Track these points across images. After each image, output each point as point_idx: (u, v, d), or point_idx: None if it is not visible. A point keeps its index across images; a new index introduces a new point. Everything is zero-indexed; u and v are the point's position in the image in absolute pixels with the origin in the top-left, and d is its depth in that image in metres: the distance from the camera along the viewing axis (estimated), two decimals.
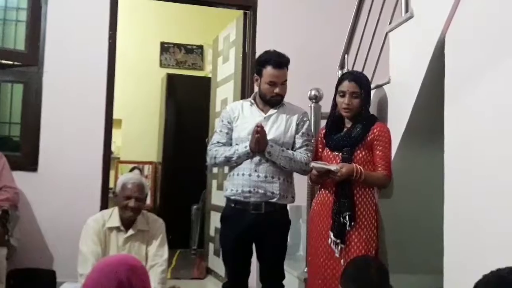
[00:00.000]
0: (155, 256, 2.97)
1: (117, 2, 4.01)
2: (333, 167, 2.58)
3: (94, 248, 2.87)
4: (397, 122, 2.64)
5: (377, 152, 2.62)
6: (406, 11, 2.65)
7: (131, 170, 5.65)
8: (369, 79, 2.82)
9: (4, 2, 4.06)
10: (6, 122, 4.00)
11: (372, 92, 2.82)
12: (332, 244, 2.61)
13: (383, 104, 2.81)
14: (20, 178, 3.57)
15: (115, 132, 4.22)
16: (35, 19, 3.86)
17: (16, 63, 3.91)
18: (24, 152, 3.83)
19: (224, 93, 4.72)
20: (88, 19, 3.94)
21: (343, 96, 2.66)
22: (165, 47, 6.49)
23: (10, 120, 3.98)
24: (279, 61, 2.76)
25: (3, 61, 3.96)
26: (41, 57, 3.85)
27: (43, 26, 3.86)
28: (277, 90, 2.77)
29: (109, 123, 3.97)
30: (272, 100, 2.81)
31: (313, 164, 2.66)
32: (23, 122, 3.88)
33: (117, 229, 2.96)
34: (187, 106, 5.97)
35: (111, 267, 1.42)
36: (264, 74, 2.77)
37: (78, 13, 3.93)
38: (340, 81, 2.71)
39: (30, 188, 3.71)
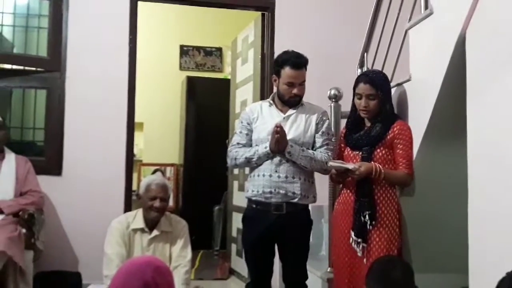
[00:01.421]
0: (179, 257, 3.00)
1: (136, 7, 4.05)
2: (350, 165, 2.57)
3: (118, 249, 2.91)
4: (418, 120, 2.61)
5: (398, 150, 2.60)
6: (426, 7, 2.62)
7: (154, 172, 5.65)
8: (389, 77, 2.80)
9: (26, 10, 4.14)
10: (30, 128, 4.09)
11: (393, 90, 2.80)
12: (353, 243, 2.60)
13: (403, 102, 2.78)
14: (45, 182, 3.64)
15: (137, 135, 4.27)
16: (56, 25, 3.93)
17: (39, 69, 3.99)
18: (48, 157, 3.90)
19: (243, 94, 4.73)
20: (108, 24, 4.00)
21: (360, 98, 2.65)
22: (184, 50, 6.54)
23: (34, 125, 4.06)
24: (298, 61, 2.76)
25: (27, 68, 4.04)
26: (63, 63, 3.91)
27: (65, 33, 3.93)
28: (295, 90, 2.77)
29: (131, 126, 4.02)
30: (291, 101, 2.81)
31: (330, 163, 2.66)
32: (47, 127, 3.96)
33: (141, 230, 2.99)
34: (207, 108, 6.01)
35: (136, 269, 1.44)
36: (282, 74, 2.78)
37: (98, 19, 3.99)
38: (356, 83, 2.70)
39: (55, 192, 3.78)
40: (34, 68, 4.01)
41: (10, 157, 3.51)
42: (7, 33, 4.12)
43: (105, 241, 2.96)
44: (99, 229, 3.18)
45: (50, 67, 3.94)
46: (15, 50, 4.14)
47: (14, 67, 4.08)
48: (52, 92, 3.93)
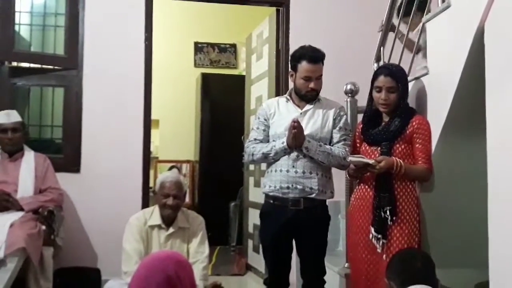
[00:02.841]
0: (196, 253, 3.02)
1: (152, 5, 4.07)
2: (371, 160, 2.56)
3: (137, 246, 2.94)
4: (437, 114, 2.59)
5: (417, 145, 2.59)
6: (443, 0, 2.60)
7: (170, 169, 5.74)
8: (406, 71, 2.78)
9: (43, 8, 4.19)
10: (48, 125, 4.13)
11: (410, 84, 2.78)
12: (373, 239, 2.59)
13: (421, 96, 2.76)
14: (64, 179, 3.68)
15: (153, 132, 4.29)
16: (73, 24, 3.96)
17: (56, 67, 4.03)
18: (67, 154, 3.94)
19: (258, 90, 4.74)
20: (124, 22, 4.03)
21: (379, 91, 2.63)
22: (199, 47, 6.56)
23: (53, 123, 4.11)
24: (314, 55, 2.76)
25: (44, 66, 4.08)
26: (80, 61, 3.95)
27: (81, 31, 3.96)
28: (312, 85, 2.76)
29: (148, 123, 4.04)
30: (308, 95, 2.80)
31: (350, 158, 2.65)
32: (65, 124, 4.00)
33: (159, 227, 3.02)
34: (222, 104, 6.02)
35: (158, 263, 1.46)
36: (299, 69, 2.77)
37: (114, 17, 4.01)
38: (375, 76, 2.67)
39: (73, 189, 3.82)
40: (51, 66, 4.05)
41: (29, 155, 3.55)
42: (25, 32, 4.16)
43: (124, 237, 3.00)
44: (117, 226, 3.22)
45: (67, 65, 3.98)
46: (32, 49, 4.19)
47: (32, 65, 4.11)
48: (69, 90, 3.97)
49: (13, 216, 3.22)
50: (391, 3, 3.19)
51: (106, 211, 3.84)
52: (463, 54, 2.33)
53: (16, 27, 3.96)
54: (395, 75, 2.61)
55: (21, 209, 3.30)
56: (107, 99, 3.96)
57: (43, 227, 3.28)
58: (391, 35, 3.21)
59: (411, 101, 2.76)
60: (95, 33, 3.97)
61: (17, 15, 3.93)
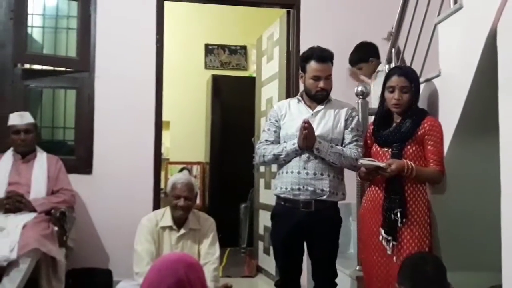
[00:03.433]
0: (207, 254, 3.02)
1: (163, 7, 4.09)
2: (381, 163, 2.55)
3: (148, 247, 2.95)
4: (449, 116, 2.57)
5: (429, 147, 2.57)
6: (455, 2, 2.58)
7: (180, 170, 5.72)
8: (418, 73, 2.76)
9: (55, 11, 4.22)
10: (61, 127, 4.17)
11: (422, 86, 2.76)
12: (383, 241, 2.58)
13: (433, 98, 2.75)
14: (76, 181, 3.71)
15: (164, 134, 4.31)
16: (85, 26, 3.99)
17: (68, 69, 4.06)
18: (79, 156, 3.97)
19: (269, 92, 4.74)
20: (135, 24, 4.05)
21: (392, 91, 2.62)
22: (209, 49, 6.58)
23: (65, 125, 4.14)
24: (322, 55, 2.76)
25: (56, 68, 4.12)
26: (92, 63, 3.98)
27: (93, 33, 3.99)
28: (321, 84, 2.76)
29: (159, 125, 4.07)
30: (318, 96, 2.80)
31: (361, 161, 2.64)
32: (77, 126, 4.03)
33: (170, 228, 3.03)
34: (232, 106, 6.03)
35: (169, 265, 1.47)
36: (308, 69, 2.78)
37: (126, 19, 4.04)
38: (388, 76, 2.66)
39: (85, 190, 3.85)
40: (63, 69, 4.08)
41: (42, 156, 3.58)
42: (37, 34, 4.20)
43: (135, 238, 3.01)
44: (129, 227, 3.23)
45: (79, 67, 4.01)
46: (44, 51, 4.23)
47: (44, 67, 4.15)
48: (81, 92, 4.00)
49: (26, 217, 3.25)
50: (402, 3, 3.17)
51: (117, 212, 3.87)
52: (476, 55, 2.31)
53: (29, 30, 4.00)
54: (408, 75, 2.60)
55: (34, 210, 3.33)
56: (118, 101, 3.98)
57: (55, 228, 3.31)
58: (402, 36, 3.19)
59: (423, 103, 2.74)
60: (107, 35, 4.00)
61: (29, 17, 3.97)
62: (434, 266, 2.01)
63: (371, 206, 2.68)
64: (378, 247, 2.61)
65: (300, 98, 2.88)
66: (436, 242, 2.61)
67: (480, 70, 2.32)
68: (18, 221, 3.21)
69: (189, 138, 6.34)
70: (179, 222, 3.03)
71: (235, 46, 6.63)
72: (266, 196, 4.58)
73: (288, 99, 3.06)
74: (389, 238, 2.56)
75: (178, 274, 1.43)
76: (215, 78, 6.20)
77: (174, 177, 3.15)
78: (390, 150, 2.62)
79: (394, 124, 2.66)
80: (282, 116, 2.86)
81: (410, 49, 3.05)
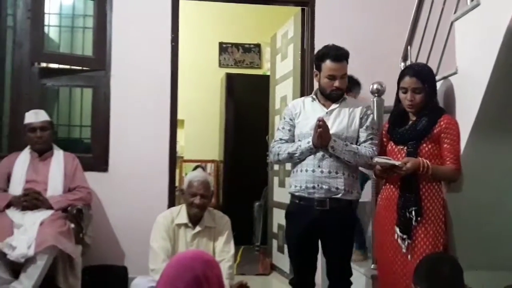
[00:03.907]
0: (222, 252, 3.03)
1: (178, 6, 4.11)
2: (397, 162, 2.54)
3: (164, 244, 2.97)
4: (465, 114, 2.56)
5: (445, 145, 2.55)
6: None
7: (194, 168, 5.75)
8: (434, 70, 2.74)
9: (72, 10, 4.26)
10: (77, 125, 4.20)
11: (438, 83, 2.75)
12: (398, 239, 2.57)
13: (450, 95, 2.73)
14: (92, 178, 3.73)
15: (178, 132, 4.33)
16: (101, 25, 4.02)
17: (84, 68, 4.10)
18: (95, 154, 4.00)
19: (283, 90, 4.73)
20: (151, 23, 4.06)
21: (405, 92, 2.61)
22: (223, 47, 6.59)
23: (81, 123, 4.17)
24: (338, 54, 2.74)
25: (73, 67, 4.16)
26: (108, 61, 4.00)
27: (109, 32, 4.01)
28: (336, 83, 2.75)
29: (174, 123, 4.08)
30: (333, 95, 2.79)
31: (376, 159, 2.63)
32: (93, 124, 4.06)
33: (185, 225, 3.05)
34: (246, 104, 6.04)
35: (186, 263, 1.47)
36: (323, 68, 2.76)
37: (141, 18, 4.05)
38: (401, 77, 2.65)
39: (101, 188, 3.88)
40: (80, 67, 4.12)
41: (59, 154, 3.61)
42: (54, 33, 4.24)
43: (151, 235, 3.03)
44: (144, 224, 3.26)
45: (96, 66, 4.04)
46: (61, 50, 4.26)
47: (61, 66, 4.19)
48: (97, 90, 4.03)
49: (43, 214, 3.28)
50: (418, 1, 3.15)
51: (133, 209, 3.89)
52: (493, 53, 2.30)
53: (46, 29, 4.04)
54: (421, 76, 2.58)
55: (51, 208, 3.36)
56: (134, 99, 4.00)
57: (72, 226, 3.34)
58: (418, 34, 3.17)
59: (439, 100, 2.72)
60: (122, 34, 4.02)
61: (46, 17, 4.00)
62: (451, 267, 1.99)
63: (387, 204, 2.67)
64: (393, 245, 2.60)
65: (314, 96, 2.87)
66: (452, 241, 2.60)
67: (497, 67, 2.30)
68: (35, 218, 3.25)
69: (203, 136, 6.37)
70: (194, 219, 3.05)
71: (249, 44, 6.64)
72: (280, 194, 4.58)
73: (303, 98, 3.06)
74: (404, 236, 2.55)
75: (195, 271, 1.43)
76: (229, 77, 6.21)
77: (191, 175, 3.16)
78: (405, 148, 2.61)
79: (410, 122, 2.65)
80: (296, 115, 2.86)
81: (426, 47, 3.04)
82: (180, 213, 3.07)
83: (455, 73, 2.69)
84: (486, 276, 2.58)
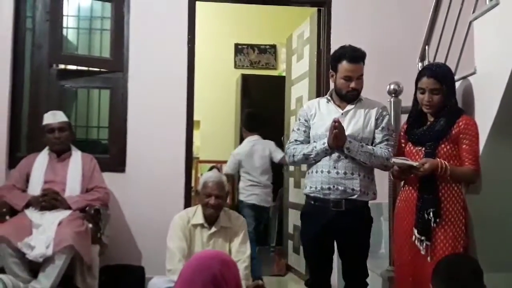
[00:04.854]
0: (238, 252, 3.03)
1: (194, 7, 4.12)
2: (414, 162, 2.52)
3: (180, 244, 2.98)
4: (484, 114, 2.53)
5: (464, 146, 2.53)
6: None
7: (210, 169, 5.76)
8: (452, 70, 2.72)
9: (90, 12, 4.30)
10: (95, 126, 4.24)
11: (457, 84, 2.72)
12: (416, 241, 2.55)
13: (468, 96, 2.70)
14: (109, 179, 3.76)
15: (194, 133, 4.35)
16: (118, 27, 4.05)
17: (102, 69, 4.13)
18: (113, 154, 4.03)
19: (299, 91, 4.73)
20: (167, 24, 4.08)
21: (423, 93, 2.59)
22: (239, 48, 6.61)
23: (99, 124, 4.21)
24: (354, 55, 2.74)
25: (91, 69, 4.20)
26: (125, 63, 4.03)
27: (126, 34, 4.04)
28: (352, 84, 2.74)
29: (190, 124, 4.10)
30: (348, 96, 2.78)
31: (393, 160, 2.61)
32: (110, 126, 4.09)
33: (201, 226, 3.05)
34: (262, 105, 6.00)
35: (204, 262, 1.48)
36: (339, 69, 2.76)
37: (158, 20, 4.08)
38: (419, 77, 2.63)
39: (119, 188, 3.91)
40: (97, 69, 4.15)
41: (77, 155, 3.65)
42: (72, 35, 4.28)
43: (168, 235, 3.04)
44: (161, 224, 3.28)
45: (113, 68, 4.07)
46: (79, 52, 4.31)
47: (79, 68, 4.23)
48: (115, 91, 4.06)
49: (61, 214, 3.31)
50: (436, 1, 3.13)
51: (150, 210, 3.91)
52: None
53: (64, 31, 4.08)
54: (438, 76, 2.55)
55: (69, 208, 3.39)
56: (151, 101, 4.02)
57: (90, 225, 3.37)
58: (436, 33, 3.15)
59: (458, 101, 2.69)
60: (140, 36, 4.04)
61: (64, 19, 4.04)
62: (470, 269, 1.96)
63: (405, 206, 2.65)
64: (411, 247, 2.58)
65: (329, 97, 2.86)
66: (473, 243, 2.56)
67: None
68: (53, 218, 3.27)
69: (219, 137, 6.38)
70: (210, 220, 3.06)
71: (265, 45, 6.64)
72: (296, 195, 4.57)
73: (318, 99, 3.05)
74: (422, 238, 2.53)
75: (212, 271, 1.44)
76: (244, 78, 6.22)
77: (205, 176, 3.17)
78: (423, 149, 2.59)
79: (428, 123, 2.63)
80: (311, 116, 2.85)
81: (444, 47, 3.01)
82: (196, 213, 3.08)
83: (473, 73, 2.66)
84: (508, 278, 2.55)
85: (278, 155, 4.42)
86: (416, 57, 3.22)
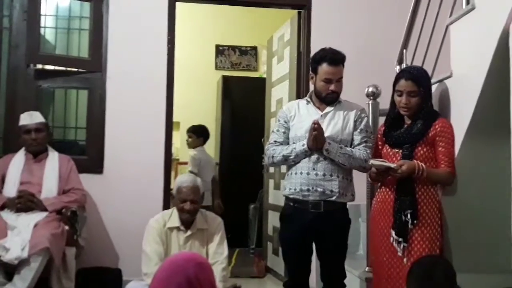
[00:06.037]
0: (215, 254, 3.02)
1: (174, 8, 4.10)
2: (392, 164, 2.54)
3: (156, 247, 2.95)
4: (460, 117, 2.56)
5: (440, 148, 2.55)
6: (468, 3, 2.57)
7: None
8: (429, 73, 2.75)
9: (68, 12, 4.26)
10: (72, 127, 4.20)
11: (433, 87, 2.75)
12: (394, 242, 2.57)
13: (444, 99, 2.73)
14: (87, 181, 3.72)
15: (174, 134, 4.32)
16: (97, 27, 4.01)
17: (80, 70, 4.09)
18: (90, 156, 3.99)
19: (279, 93, 4.74)
20: (147, 25, 4.06)
21: (400, 95, 2.61)
22: (220, 50, 6.59)
23: (76, 125, 4.17)
24: (335, 58, 2.75)
25: (68, 69, 4.15)
26: (104, 63, 3.99)
27: (105, 34, 4.01)
28: (332, 87, 2.76)
29: (170, 126, 4.08)
30: (328, 98, 2.80)
31: (372, 161, 2.63)
32: (88, 126, 4.05)
33: (177, 229, 3.03)
34: (242, 107, 6.03)
35: (178, 265, 1.46)
36: (319, 71, 2.77)
37: (137, 20, 4.05)
38: (396, 80, 2.65)
39: (96, 190, 3.87)
40: (75, 69, 4.11)
41: (54, 156, 3.60)
42: (50, 35, 4.23)
43: (144, 239, 3.02)
44: (139, 227, 3.24)
45: (91, 68, 4.03)
46: (57, 52, 4.26)
47: (57, 68, 4.18)
48: (93, 92, 4.02)
49: (37, 216, 3.27)
50: (414, 4, 3.16)
51: (128, 212, 3.88)
52: (488, 57, 2.30)
53: (42, 31, 4.03)
54: (416, 79, 2.58)
55: (45, 210, 3.35)
56: (130, 101, 3.99)
57: (66, 227, 3.33)
58: (413, 37, 3.18)
59: (434, 104, 2.72)
60: (118, 36, 4.01)
61: (42, 18, 3.99)
62: (443, 269, 1.99)
63: (382, 208, 2.67)
64: (388, 248, 2.60)
65: (309, 99, 2.87)
66: (447, 244, 2.60)
67: (492, 71, 2.31)
68: (29, 220, 3.23)
69: None
70: (186, 222, 3.04)
71: (246, 47, 6.64)
72: (276, 197, 4.57)
73: (297, 100, 3.06)
74: (400, 239, 2.55)
75: (187, 273, 1.42)
76: (225, 79, 6.21)
77: (180, 180, 3.12)
78: (401, 151, 2.61)
79: (405, 126, 2.65)
80: (291, 118, 2.86)
81: (421, 51, 3.04)
82: (172, 216, 3.05)
83: (450, 76, 2.69)
84: (482, 279, 2.58)
85: None
86: (394, 60, 3.25)
